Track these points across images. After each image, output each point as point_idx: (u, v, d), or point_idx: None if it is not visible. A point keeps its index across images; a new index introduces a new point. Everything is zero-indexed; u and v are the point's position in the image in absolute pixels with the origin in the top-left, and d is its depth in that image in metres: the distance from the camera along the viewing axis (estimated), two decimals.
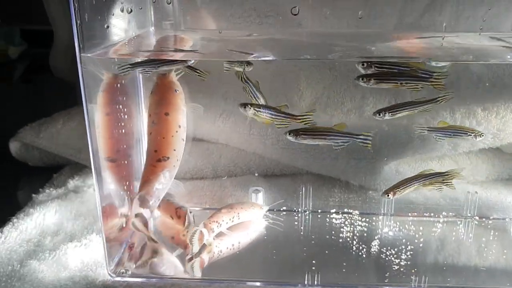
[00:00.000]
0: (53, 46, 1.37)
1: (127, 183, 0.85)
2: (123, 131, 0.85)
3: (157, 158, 0.83)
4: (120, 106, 0.83)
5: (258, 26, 0.98)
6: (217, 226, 0.86)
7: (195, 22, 0.98)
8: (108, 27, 0.76)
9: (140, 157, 0.92)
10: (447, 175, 0.88)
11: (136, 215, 0.80)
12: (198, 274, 0.79)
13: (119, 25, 0.82)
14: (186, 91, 1.02)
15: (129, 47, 0.81)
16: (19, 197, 1.09)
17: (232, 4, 0.98)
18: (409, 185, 0.87)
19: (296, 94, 1.05)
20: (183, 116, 0.84)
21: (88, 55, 0.68)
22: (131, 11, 0.82)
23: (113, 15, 0.78)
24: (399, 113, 0.85)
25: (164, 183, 0.83)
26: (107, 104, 0.79)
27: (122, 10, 0.81)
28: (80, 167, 1.13)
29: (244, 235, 0.90)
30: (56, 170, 1.15)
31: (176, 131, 0.83)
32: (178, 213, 0.89)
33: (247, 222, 0.92)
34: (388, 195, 0.86)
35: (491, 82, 0.98)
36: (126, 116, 0.86)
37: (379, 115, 0.85)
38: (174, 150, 0.83)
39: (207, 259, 0.82)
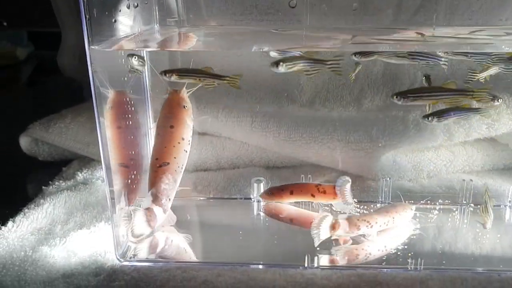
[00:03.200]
0: (61, 45, 1.41)
1: (138, 182, 0.91)
2: (134, 140, 0.91)
3: (158, 164, 0.87)
4: (129, 118, 0.89)
5: (259, 22, 1.02)
6: (367, 226, 0.83)
7: (198, 20, 1.01)
8: (115, 21, 0.79)
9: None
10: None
11: (147, 209, 0.84)
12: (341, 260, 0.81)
13: (125, 22, 0.85)
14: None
15: (135, 42, 0.85)
16: (30, 190, 1.12)
17: (233, 1, 1.01)
18: None
19: (297, 88, 1.08)
20: (188, 130, 0.88)
21: (96, 47, 0.72)
22: (137, 5, 0.86)
23: (120, 11, 0.81)
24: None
25: (169, 183, 0.87)
26: (117, 118, 0.85)
27: (128, 7, 0.85)
28: (88, 160, 1.17)
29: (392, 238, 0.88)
30: (65, 164, 1.19)
31: (179, 142, 0.87)
32: (320, 188, 0.94)
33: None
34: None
35: None
36: (135, 127, 0.92)
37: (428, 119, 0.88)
38: (175, 158, 0.88)
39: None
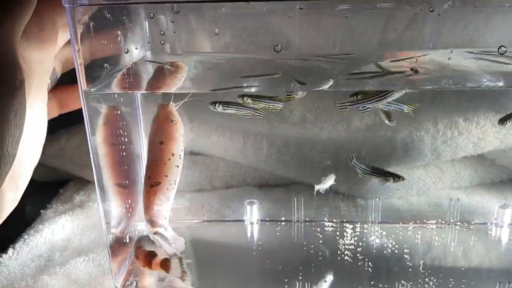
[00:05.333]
0: None
1: (133, 204, 0.93)
2: (128, 158, 0.92)
3: (150, 184, 0.89)
4: (122, 135, 0.90)
5: (249, 45, 1.03)
6: None
7: (190, 46, 1.03)
8: (107, 65, 0.81)
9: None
10: None
11: (155, 233, 0.89)
12: None
13: (120, 55, 0.87)
14: (182, 107, 1.08)
15: (127, 79, 0.86)
16: (28, 212, 1.14)
17: (223, 25, 1.03)
18: None
19: (288, 108, 1.11)
20: (178, 144, 0.89)
21: (92, 90, 0.74)
22: (127, 51, 0.87)
23: (111, 46, 0.83)
24: None
25: (161, 204, 0.90)
26: (110, 135, 0.86)
27: (126, 52, 0.87)
28: (84, 182, 1.19)
29: None
30: (62, 185, 1.22)
31: (169, 159, 0.88)
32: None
33: None
34: (506, 123, 0.89)
35: (473, 93, 1.03)
36: (129, 144, 0.92)
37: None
38: (166, 176, 0.89)
39: None
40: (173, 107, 0.88)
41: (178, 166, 0.91)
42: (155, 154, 0.89)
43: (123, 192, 0.88)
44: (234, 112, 0.90)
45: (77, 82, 0.72)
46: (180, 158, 0.91)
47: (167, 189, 0.90)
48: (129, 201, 0.90)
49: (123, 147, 0.89)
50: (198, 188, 1.14)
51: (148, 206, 0.91)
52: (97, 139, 0.83)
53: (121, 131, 0.89)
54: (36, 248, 0.93)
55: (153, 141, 0.89)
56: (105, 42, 0.79)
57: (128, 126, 0.91)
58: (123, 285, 0.83)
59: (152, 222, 0.88)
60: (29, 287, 0.82)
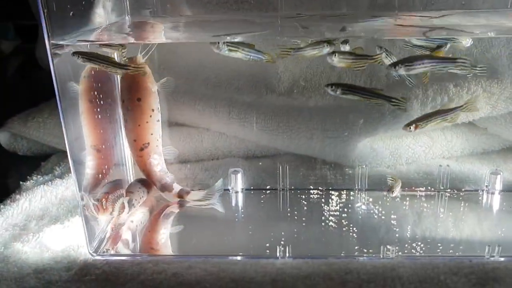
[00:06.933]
0: (39, 38, 1.40)
1: (108, 169, 0.89)
2: (108, 118, 0.88)
3: (139, 147, 0.87)
4: (104, 93, 0.85)
5: (235, 11, 1.01)
6: None
7: (173, 9, 1.00)
8: (78, 16, 0.78)
9: (122, 143, 0.96)
10: (465, 106, 0.89)
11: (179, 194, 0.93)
12: None
13: (92, 15, 0.84)
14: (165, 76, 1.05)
15: (100, 35, 0.83)
16: (9, 186, 1.11)
17: None
18: (431, 120, 0.86)
19: (275, 78, 1.07)
20: (155, 98, 0.86)
21: (59, 42, 0.71)
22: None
23: (83, 3, 0.80)
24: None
25: (158, 163, 0.89)
26: (90, 90, 0.82)
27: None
28: (66, 155, 1.15)
29: None
30: (44, 159, 1.19)
31: (150, 116, 0.85)
32: None
33: None
34: (410, 128, 0.85)
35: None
36: (109, 103, 0.88)
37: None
38: (151, 134, 0.87)
39: None
40: (141, 59, 0.84)
41: (159, 121, 0.88)
42: (134, 113, 0.86)
43: (99, 156, 0.85)
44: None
45: None
46: (159, 111, 0.88)
47: (157, 146, 0.89)
48: (105, 166, 0.86)
49: (103, 106, 0.85)
50: (183, 160, 1.11)
51: (149, 173, 0.89)
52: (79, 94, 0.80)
53: (103, 88, 0.85)
54: (12, 217, 0.90)
55: (129, 98, 0.85)
56: None
57: (111, 84, 0.87)
58: (98, 252, 0.80)
59: (165, 187, 0.89)
60: (0, 254, 0.79)
